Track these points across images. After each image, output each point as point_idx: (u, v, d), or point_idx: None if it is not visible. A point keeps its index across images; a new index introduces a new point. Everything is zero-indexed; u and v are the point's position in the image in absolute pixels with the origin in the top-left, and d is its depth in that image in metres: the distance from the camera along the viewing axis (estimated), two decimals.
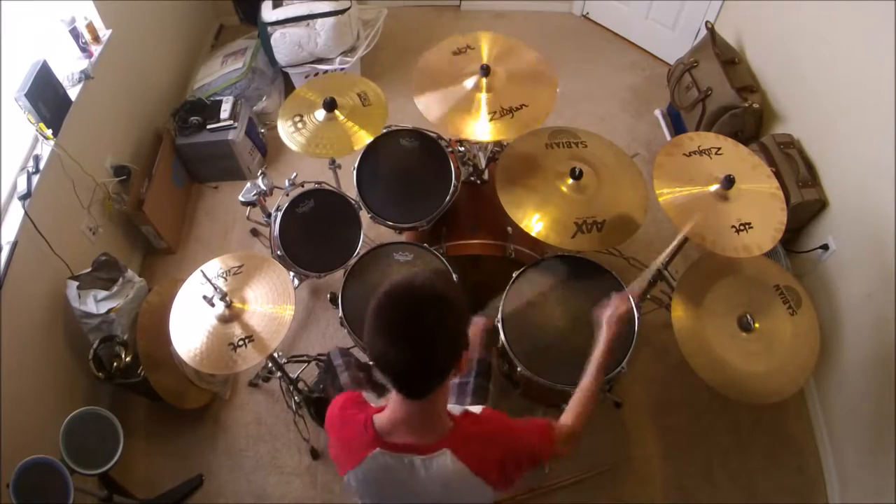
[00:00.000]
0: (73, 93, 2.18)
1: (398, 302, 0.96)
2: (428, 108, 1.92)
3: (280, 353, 2.10)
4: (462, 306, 1.02)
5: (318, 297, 2.57)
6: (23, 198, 1.93)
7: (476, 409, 1.20)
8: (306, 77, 3.10)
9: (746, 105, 2.44)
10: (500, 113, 1.86)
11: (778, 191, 1.77)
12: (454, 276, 1.89)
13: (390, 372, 0.99)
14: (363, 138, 1.93)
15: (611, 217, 1.78)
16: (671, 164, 1.76)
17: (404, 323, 0.95)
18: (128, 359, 2.05)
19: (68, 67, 2.22)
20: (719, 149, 1.81)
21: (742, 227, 1.67)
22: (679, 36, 3.25)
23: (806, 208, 2.20)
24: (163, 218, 2.63)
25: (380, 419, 1.08)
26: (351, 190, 2.16)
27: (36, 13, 2.17)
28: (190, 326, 1.58)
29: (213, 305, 1.58)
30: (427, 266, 1.95)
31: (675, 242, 1.68)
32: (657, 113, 3.18)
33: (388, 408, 1.08)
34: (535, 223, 1.77)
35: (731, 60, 2.61)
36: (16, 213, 1.91)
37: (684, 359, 1.69)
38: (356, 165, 2.12)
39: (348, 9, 3.00)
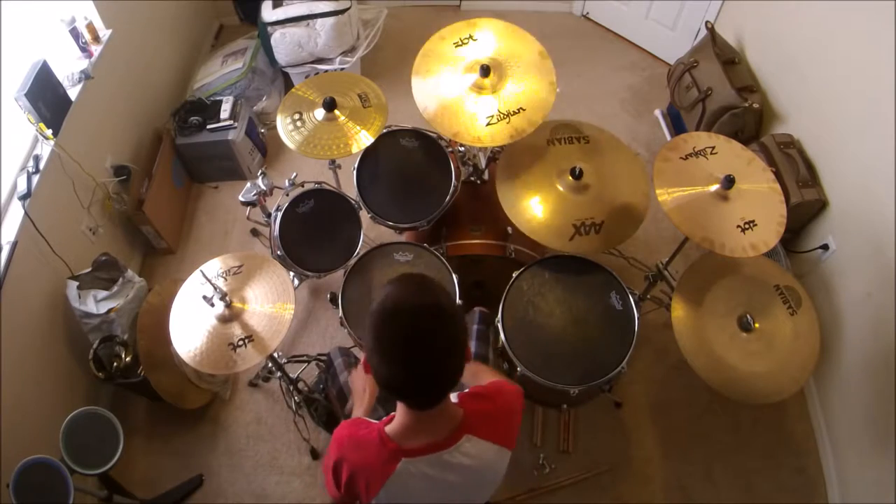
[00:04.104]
0: (73, 93, 2.17)
1: (396, 323, 0.94)
2: (427, 108, 1.91)
3: (280, 353, 2.10)
4: (457, 312, 1.00)
5: (318, 297, 2.57)
6: (23, 198, 1.93)
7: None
8: (306, 77, 3.10)
9: (746, 105, 2.44)
10: (498, 118, 1.86)
11: (774, 184, 1.77)
12: (454, 276, 1.90)
13: (396, 392, 0.98)
14: (362, 140, 1.93)
15: (610, 217, 1.78)
16: (670, 169, 1.76)
17: (406, 344, 0.93)
18: (128, 359, 2.05)
19: (68, 67, 2.22)
20: (713, 147, 1.81)
21: (747, 226, 1.67)
22: (679, 36, 3.25)
23: (806, 208, 2.20)
24: (163, 218, 2.63)
25: (392, 430, 1.05)
26: (351, 190, 2.16)
27: (36, 13, 2.17)
28: (190, 326, 1.58)
29: (212, 305, 1.58)
30: (427, 266, 1.95)
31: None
32: (657, 113, 3.18)
33: (397, 417, 1.06)
34: (533, 226, 1.77)
35: (731, 60, 2.61)
36: (16, 213, 1.91)
37: (684, 359, 1.69)
38: (356, 165, 2.13)
39: (348, 9, 3.00)
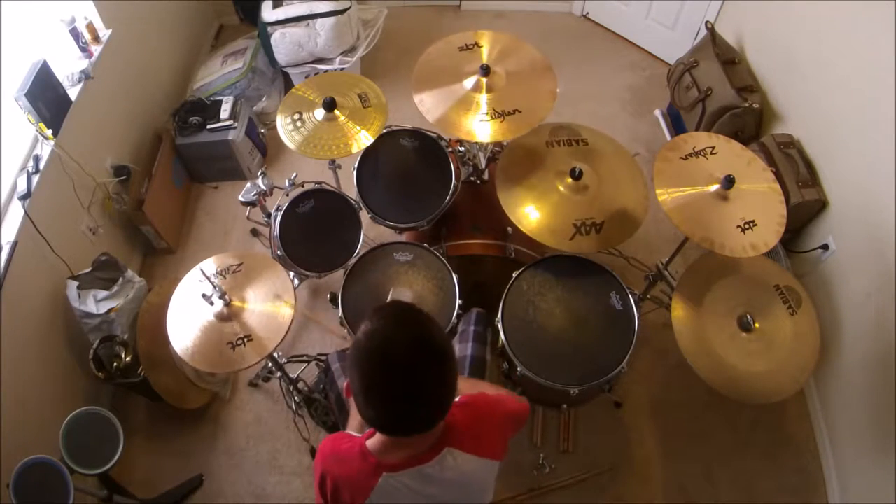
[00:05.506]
0: (73, 93, 2.18)
1: (385, 368, 0.91)
2: (425, 106, 1.92)
3: (280, 353, 2.10)
4: (449, 348, 0.97)
5: (318, 297, 2.57)
6: (23, 198, 1.93)
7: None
8: (306, 77, 3.10)
9: (746, 105, 2.44)
10: (493, 115, 1.87)
11: (774, 184, 1.77)
12: (454, 276, 1.90)
13: (381, 430, 0.98)
14: (362, 140, 1.93)
15: (610, 217, 1.78)
16: (670, 169, 1.76)
17: (395, 390, 0.90)
18: (128, 359, 2.05)
19: (68, 67, 2.22)
20: (713, 148, 1.81)
21: (747, 226, 1.67)
22: (679, 36, 3.25)
23: (806, 208, 2.20)
24: (163, 218, 2.63)
25: (373, 445, 1.04)
26: (351, 190, 2.16)
27: (36, 13, 2.17)
28: (188, 325, 1.58)
29: (211, 304, 1.58)
30: (427, 266, 1.95)
31: None
32: (657, 113, 3.18)
33: (378, 434, 1.04)
34: (533, 225, 1.76)
35: (731, 60, 2.61)
36: (16, 213, 1.91)
37: (684, 359, 1.69)
38: (356, 165, 2.13)
39: (348, 9, 3.00)
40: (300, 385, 2.11)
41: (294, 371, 2.21)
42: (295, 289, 1.73)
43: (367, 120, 1.97)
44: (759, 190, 1.75)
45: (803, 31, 2.35)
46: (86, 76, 2.23)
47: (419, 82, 1.96)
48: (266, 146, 3.10)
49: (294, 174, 2.14)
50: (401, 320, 0.95)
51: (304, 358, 2.31)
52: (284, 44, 2.99)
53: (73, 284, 2.06)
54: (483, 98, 1.90)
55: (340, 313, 1.86)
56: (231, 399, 2.34)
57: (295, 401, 2.17)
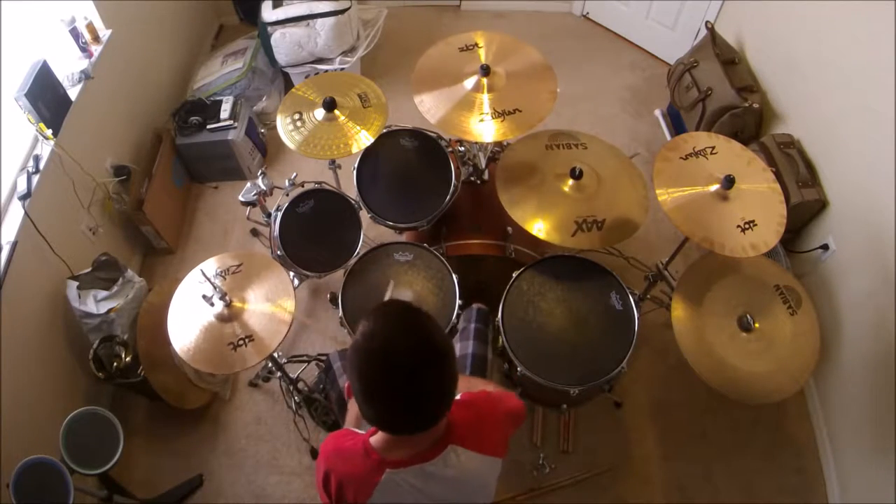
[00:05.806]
0: (73, 93, 2.17)
1: (385, 370, 0.90)
2: (426, 106, 1.92)
3: (280, 353, 2.10)
4: (450, 348, 0.97)
5: (318, 297, 2.57)
6: (23, 198, 1.93)
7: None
8: (306, 77, 3.10)
9: (746, 105, 2.44)
10: (494, 115, 1.87)
11: (774, 184, 1.77)
12: (454, 276, 1.90)
13: (383, 429, 0.98)
14: (362, 140, 1.93)
15: (611, 216, 1.78)
16: (670, 169, 1.76)
17: (395, 391, 0.90)
18: (128, 359, 2.05)
19: (68, 67, 2.22)
20: (713, 148, 1.81)
21: (747, 226, 1.67)
22: (679, 36, 3.25)
23: (806, 208, 2.20)
24: (163, 218, 2.63)
25: (377, 441, 1.04)
26: (351, 190, 2.16)
27: (36, 13, 2.17)
28: (188, 326, 1.58)
29: (212, 304, 1.58)
30: (427, 266, 1.95)
31: None
32: (657, 113, 3.18)
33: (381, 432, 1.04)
34: (535, 222, 1.76)
35: (731, 60, 2.61)
36: (16, 213, 1.91)
37: (684, 359, 1.69)
38: (356, 165, 2.13)
39: (348, 9, 3.00)
40: (300, 385, 2.11)
41: (294, 371, 2.21)
42: (295, 289, 1.73)
43: (367, 120, 1.97)
44: (759, 190, 1.75)
45: (803, 31, 2.35)
46: (86, 76, 2.23)
47: (419, 84, 1.97)
48: (266, 146, 3.10)
49: (294, 174, 2.14)
50: (400, 320, 0.94)
51: (304, 358, 2.31)
52: (284, 44, 2.99)
53: (73, 284, 2.06)
54: (484, 97, 1.91)
55: (340, 313, 1.86)
56: (231, 399, 2.34)
57: (295, 401, 2.17)
